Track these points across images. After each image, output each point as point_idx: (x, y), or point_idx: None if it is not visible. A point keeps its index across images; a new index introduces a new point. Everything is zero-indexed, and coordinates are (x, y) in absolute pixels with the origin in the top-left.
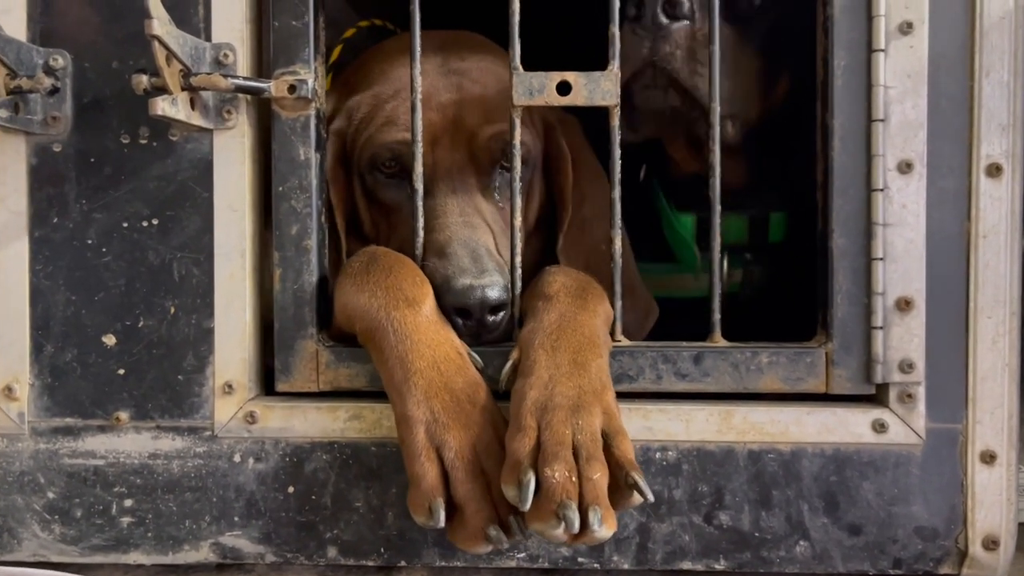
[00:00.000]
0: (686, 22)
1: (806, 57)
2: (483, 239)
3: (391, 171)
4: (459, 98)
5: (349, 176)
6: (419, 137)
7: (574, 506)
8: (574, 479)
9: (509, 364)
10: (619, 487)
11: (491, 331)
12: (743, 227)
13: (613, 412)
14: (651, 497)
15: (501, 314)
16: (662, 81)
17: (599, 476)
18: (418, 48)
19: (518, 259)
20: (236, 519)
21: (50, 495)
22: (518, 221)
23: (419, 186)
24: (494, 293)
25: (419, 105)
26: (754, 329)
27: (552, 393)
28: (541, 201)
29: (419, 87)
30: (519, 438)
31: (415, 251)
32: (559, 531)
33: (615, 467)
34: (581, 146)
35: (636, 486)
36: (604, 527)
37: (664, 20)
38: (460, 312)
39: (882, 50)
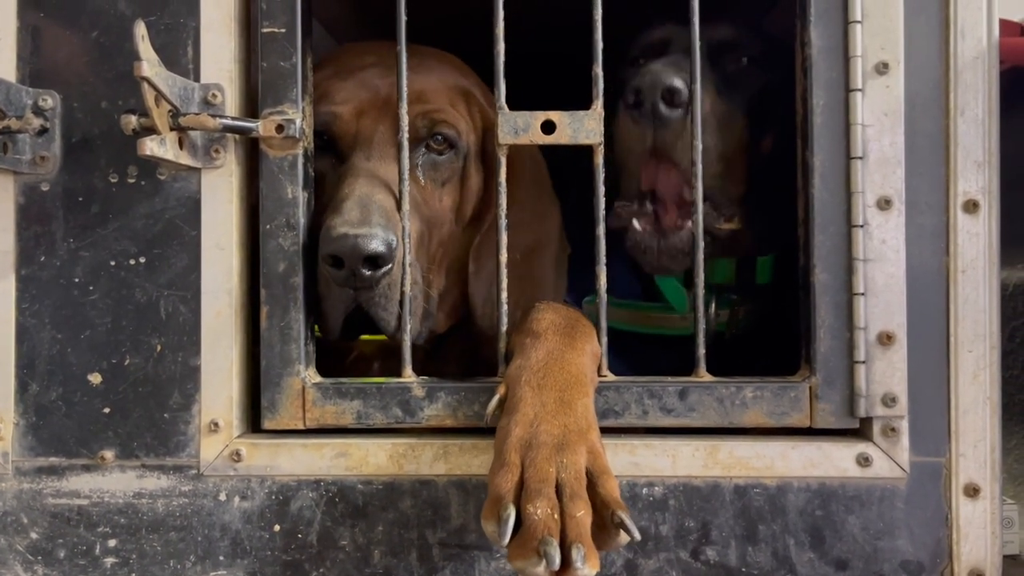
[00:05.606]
0: (684, 110)
1: (792, 105)
2: (379, 197)
3: (322, 142)
4: (392, 81)
5: None
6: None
7: (555, 543)
8: (556, 516)
9: (496, 399)
10: (605, 526)
11: (365, 285)
12: (731, 268)
13: (598, 451)
14: (637, 536)
15: (381, 270)
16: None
17: (582, 514)
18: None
19: (503, 296)
20: (221, 558)
21: (33, 535)
22: (503, 257)
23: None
24: (369, 243)
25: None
26: (741, 368)
27: (537, 431)
28: (480, 195)
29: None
30: (502, 474)
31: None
32: (540, 569)
33: (601, 506)
34: (527, 152)
35: (622, 524)
36: (587, 566)
37: (664, 110)
38: (334, 261)
39: (859, 89)
